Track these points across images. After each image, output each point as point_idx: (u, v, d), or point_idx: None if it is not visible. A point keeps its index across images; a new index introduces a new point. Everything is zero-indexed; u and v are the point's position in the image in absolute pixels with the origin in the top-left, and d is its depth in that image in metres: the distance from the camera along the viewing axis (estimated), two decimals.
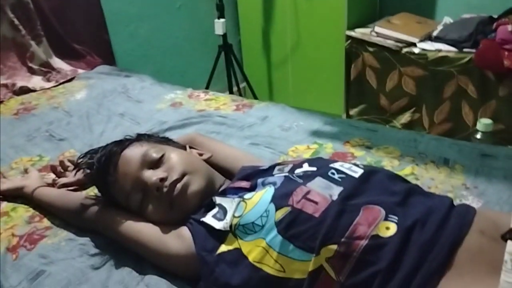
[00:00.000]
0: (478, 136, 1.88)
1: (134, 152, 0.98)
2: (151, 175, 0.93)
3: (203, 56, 2.79)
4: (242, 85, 2.96)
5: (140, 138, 1.07)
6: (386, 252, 0.69)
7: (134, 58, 2.46)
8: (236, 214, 0.83)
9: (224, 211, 0.86)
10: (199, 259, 0.84)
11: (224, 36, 2.59)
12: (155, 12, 2.54)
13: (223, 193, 0.92)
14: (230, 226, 0.82)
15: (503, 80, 2.08)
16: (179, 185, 0.92)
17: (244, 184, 0.92)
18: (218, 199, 0.89)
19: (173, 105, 1.71)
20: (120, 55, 2.38)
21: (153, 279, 0.91)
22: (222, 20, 2.54)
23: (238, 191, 0.89)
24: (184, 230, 0.90)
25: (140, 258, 0.96)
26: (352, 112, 2.66)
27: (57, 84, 2.03)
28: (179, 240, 0.89)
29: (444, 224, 0.72)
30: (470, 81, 2.17)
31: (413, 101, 2.43)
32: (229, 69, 2.70)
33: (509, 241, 0.67)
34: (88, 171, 1.03)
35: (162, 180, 0.92)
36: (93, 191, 1.16)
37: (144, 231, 0.94)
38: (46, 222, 1.12)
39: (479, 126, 1.88)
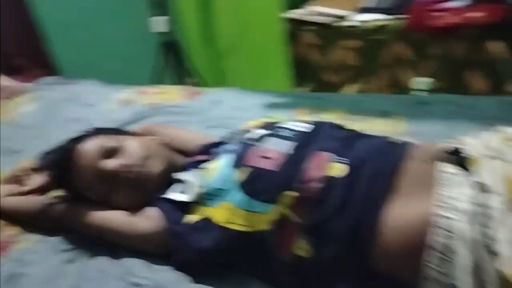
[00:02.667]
0: (419, 94, 2.01)
1: (91, 145, 1.00)
2: (112, 163, 0.96)
3: (149, 55, 2.79)
4: (193, 80, 2.99)
5: (96, 131, 1.09)
6: (339, 189, 0.76)
7: (78, 66, 2.43)
8: (200, 184, 0.88)
9: (187, 184, 0.91)
10: (170, 232, 0.89)
11: (167, 33, 2.61)
12: (93, 18, 2.52)
13: (183, 169, 0.96)
14: (195, 196, 0.87)
15: (435, 40, 2.21)
16: (141, 169, 0.96)
17: (203, 157, 0.97)
18: (180, 175, 0.94)
19: (125, 103, 1.73)
20: (63, 65, 2.36)
21: (130, 261, 0.94)
22: (162, 17, 2.56)
23: (198, 164, 0.94)
24: (152, 210, 0.94)
25: (113, 245, 0.99)
26: (301, 90, 2.75)
27: (3, 100, 1.99)
28: (148, 220, 0.93)
29: (385, 157, 0.80)
30: (405, 45, 2.29)
31: (356, 72, 2.53)
32: (176, 65, 2.72)
33: (440, 162, 0.76)
34: (50, 171, 1.05)
35: (124, 166, 0.95)
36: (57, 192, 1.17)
37: (114, 218, 0.97)
38: (16, 229, 1.13)
39: (418, 85, 2.01)
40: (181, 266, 0.87)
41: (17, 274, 0.97)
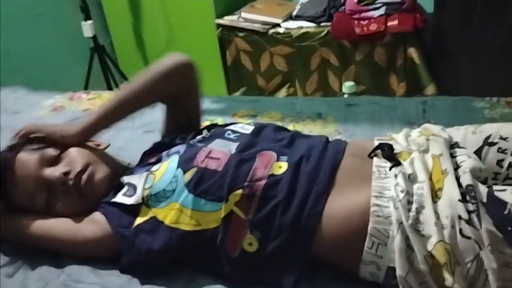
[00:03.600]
0: (345, 97, 2.14)
1: (29, 154, 0.97)
2: (53, 171, 0.94)
3: (76, 60, 2.70)
4: (121, 85, 2.93)
5: (32, 140, 1.06)
6: (282, 186, 0.82)
7: (3, 72, 2.30)
8: (146, 186, 0.88)
9: (133, 187, 0.91)
10: (118, 236, 0.88)
11: (94, 38, 2.55)
12: (14, 21, 2.39)
13: (131, 173, 0.96)
14: (142, 198, 0.88)
15: (358, 46, 2.37)
16: (84, 176, 0.95)
17: (150, 159, 0.97)
18: (126, 178, 0.94)
19: (54, 109, 1.67)
20: None
21: (73, 268, 0.93)
22: (89, 22, 2.49)
23: (145, 167, 0.95)
24: (97, 215, 0.93)
25: (55, 254, 0.97)
26: (235, 95, 2.80)
27: None
28: (93, 225, 0.92)
29: (323, 154, 0.87)
30: (331, 51, 2.43)
31: (286, 77, 2.64)
32: (105, 70, 2.66)
33: (374, 158, 0.84)
34: None
35: (66, 174, 0.94)
36: None
37: (56, 225, 0.95)
38: None
39: (344, 89, 2.13)
40: (129, 269, 0.87)
41: None
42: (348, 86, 2.11)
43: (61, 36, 2.68)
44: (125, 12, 2.82)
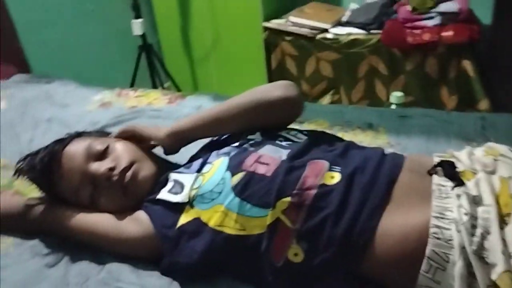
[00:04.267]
0: (392, 108, 2.07)
1: (77, 147, 0.98)
2: (99, 167, 0.94)
3: (123, 58, 2.75)
4: (166, 84, 2.96)
5: (81, 134, 1.07)
6: (334, 197, 0.77)
7: (50, 65, 2.37)
8: (195, 186, 0.87)
9: (181, 185, 0.89)
10: (160, 236, 0.87)
11: (143, 36, 2.58)
12: (67, 17, 2.46)
13: (179, 171, 0.95)
14: (189, 198, 0.86)
15: (409, 56, 2.30)
16: (129, 173, 0.94)
17: (199, 156, 0.96)
18: (173, 175, 0.92)
19: (102, 105, 1.69)
20: (35, 63, 2.28)
21: (114, 266, 0.92)
22: (139, 20, 2.53)
23: (193, 164, 0.93)
24: (140, 213, 0.92)
25: (97, 249, 0.96)
26: None
27: None
28: (136, 224, 0.91)
29: (380, 168, 0.82)
30: (380, 59, 2.37)
31: (331, 83, 2.59)
32: (151, 69, 2.69)
33: (434, 175, 0.79)
34: (32, 174, 1.01)
35: (111, 169, 0.93)
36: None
37: (100, 221, 0.94)
38: None
39: (392, 99, 2.07)
40: (170, 271, 0.86)
41: None
42: (396, 96, 2.05)
43: (111, 33, 2.74)
44: (174, 12, 2.85)
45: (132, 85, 2.56)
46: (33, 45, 2.28)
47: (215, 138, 1.05)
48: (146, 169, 0.96)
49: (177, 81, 2.80)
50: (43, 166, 0.97)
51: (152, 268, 0.89)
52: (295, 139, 0.93)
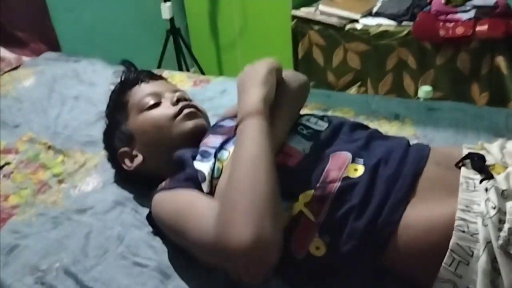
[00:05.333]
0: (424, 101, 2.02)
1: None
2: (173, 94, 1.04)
3: (151, 41, 2.76)
4: (192, 69, 2.97)
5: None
6: (357, 190, 0.76)
7: (80, 44, 2.40)
8: (215, 176, 0.85)
9: (202, 175, 0.87)
10: None
11: (171, 20, 2.58)
12: None
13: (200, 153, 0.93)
14: (211, 187, 0.84)
15: (440, 50, 2.23)
16: (192, 110, 1.01)
17: (221, 138, 0.93)
18: (196, 164, 0.89)
19: None
20: (65, 42, 2.31)
21: (133, 241, 0.93)
22: (168, 3, 2.53)
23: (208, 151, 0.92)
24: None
25: (119, 224, 0.98)
26: None
27: (2, 73, 1.94)
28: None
29: (404, 159, 0.80)
30: (409, 52, 2.31)
31: (358, 75, 2.54)
32: (178, 53, 2.70)
33: (462, 168, 0.76)
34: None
35: (180, 100, 1.02)
36: None
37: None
38: (11, 201, 1.10)
39: (420, 93, 2.01)
40: None
41: (15, 245, 0.96)
42: (425, 90, 1.99)
43: (140, 15, 2.75)
44: None
45: (158, 67, 2.57)
46: (64, 24, 2.31)
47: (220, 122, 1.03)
48: (203, 122, 1.03)
49: (202, 66, 2.80)
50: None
51: (168, 245, 0.90)
52: (316, 127, 0.91)
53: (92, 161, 1.25)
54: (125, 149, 1.04)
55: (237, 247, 0.63)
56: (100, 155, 1.25)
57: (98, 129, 1.38)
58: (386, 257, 0.74)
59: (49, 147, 1.32)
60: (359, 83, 2.56)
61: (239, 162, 0.73)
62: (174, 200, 0.83)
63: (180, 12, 2.95)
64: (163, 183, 0.90)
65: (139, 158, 1.02)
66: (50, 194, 1.14)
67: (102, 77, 1.79)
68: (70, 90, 1.70)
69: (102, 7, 2.50)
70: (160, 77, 1.19)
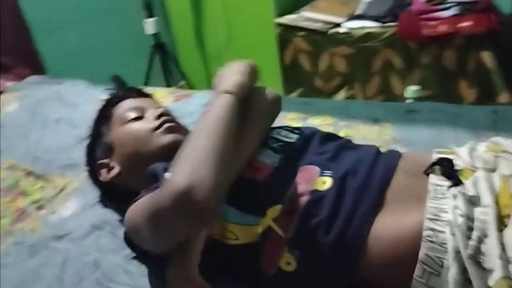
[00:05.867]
0: (408, 102, 2.00)
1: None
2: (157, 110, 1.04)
3: (137, 57, 2.76)
4: (181, 83, 2.97)
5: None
6: (326, 203, 0.74)
7: (65, 66, 2.40)
8: None
9: None
10: None
11: (156, 35, 2.59)
12: (81, 17, 2.48)
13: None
14: None
15: (425, 48, 2.22)
16: (173, 124, 1.00)
17: None
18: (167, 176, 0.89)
19: None
20: (50, 64, 2.31)
21: (108, 267, 0.92)
22: (152, 19, 2.53)
23: None
24: None
25: (96, 249, 0.96)
26: (291, 96, 2.74)
27: None
28: None
29: (372, 170, 0.78)
30: (395, 53, 2.30)
31: (345, 79, 2.53)
32: (165, 68, 2.70)
33: (431, 175, 0.75)
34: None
35: (163, 115, 1.01)
36: None
37: None
38: None
39: (408, 93, 2.01)
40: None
41: None
42: (412, 90, 1.98)
43: (124, 32, 2.76)
44: (186, 10, 2.84)
45: (145, 84, 2.57)
46: (48, 47, 2.31)
47: None
48: (181, 138, 0.98)
49: (191, 80, 2.80)
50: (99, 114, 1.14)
51: (145, 269, 0.88)
52: (287, 140, 0.90)
53: (71, 185, 1.24)
54: (104, 160, 1.04)
55: (172, 194, 0.63)
56: (80, 178, 1.24)
57: (78, 152, 1.38)
58: (359, 271, 0.72)
59: (29, 173, 1.31)
60: (347, 87, 2.55)
61: (197, 125, 0.74)
62: (140, 203, 0.82)
63: (165, 27, 2.96)
64: (138, 196, 0.89)
65: (116, 170, 1.02)
66: (28, 221, 1.12)
67: (85, 98, 1.79)
68: (52, 113, 1.69)
69: (85, 27, 2.51)
70: (148, 95, 1.20)
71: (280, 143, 0.89)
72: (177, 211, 0.64)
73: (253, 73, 0.88)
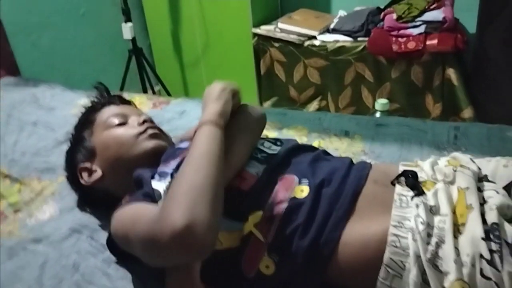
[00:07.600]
0: (377, 115, 2.09)
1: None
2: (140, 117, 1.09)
3: (114, 62, 2.77)
4: (157, 88, 2.98)
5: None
6: (303, 210, 0.80)
7: (40, 68, 2.38)
8: None
9: (158, 193, 0.89)
10: None
11: (133, 40, 2.60)
12: (58, 20, 2.47)
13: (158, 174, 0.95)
14: None
15: (394, 63, 2.33)
16: (156, 131, 1.06)
17: (179, 159, 0.95)
18: (153, 184, 0.92)
19: None
20: (24, 66, 2.29)
21: (87, 269, 0.94)
22: (129, 24, 2.54)
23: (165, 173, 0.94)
24: None
25: (75, 252, 0.98)
26: (265, 105, 2.80)
27: None
28: None
29: (345, 179, 0.85)
30: (366, 67, 2.40)
31: (318, 90, 2.62)
32: (141, 73, 2.71)
33: (397, 185, 0.81)
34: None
35: (146, 122, 1.07)
36: None
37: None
38: None
39: (377, 106, 2.09)
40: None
41: None
42: (381, 103, 2.07)
43: (101, 36, 2.76)
44: (164, 17, 2.87)
45: (121, 89, 2.58)
46: (23, 48, 2.29)
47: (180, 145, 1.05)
48: (164, 144, 1.06)
49: (167, 86, 2.82)
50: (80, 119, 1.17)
51: (124, 271, 0.91)
52: (270, 151, 0.95)
53: (49, 188, 1.25)
54: (85, 164, 1.07)
55: (171, 232, 0.63)
56: (57, 182, 1.26)
57: (55, 156, 1.39)
58: (330, 274, 0.78)
59: (6, 176, 1.31)
60: (319, 98, 2.63)
61: (186, 161, 0.76)
62: (129, 210, 0.84)
63: (143, 32, 2.97)
64: (123, 201, 0.91)
65: (98, 173, 1.04)
66: (6, 224, 1.13)
67: (61, 102, 1.79)
68: (29, 116, 1.69)
69: (61, 30, 2.50)
70: (129, 103, 1.25)
71: (264, 154, 0.94)
72: (176, 248, 0.64)
73: (234, 97, 0.91)
